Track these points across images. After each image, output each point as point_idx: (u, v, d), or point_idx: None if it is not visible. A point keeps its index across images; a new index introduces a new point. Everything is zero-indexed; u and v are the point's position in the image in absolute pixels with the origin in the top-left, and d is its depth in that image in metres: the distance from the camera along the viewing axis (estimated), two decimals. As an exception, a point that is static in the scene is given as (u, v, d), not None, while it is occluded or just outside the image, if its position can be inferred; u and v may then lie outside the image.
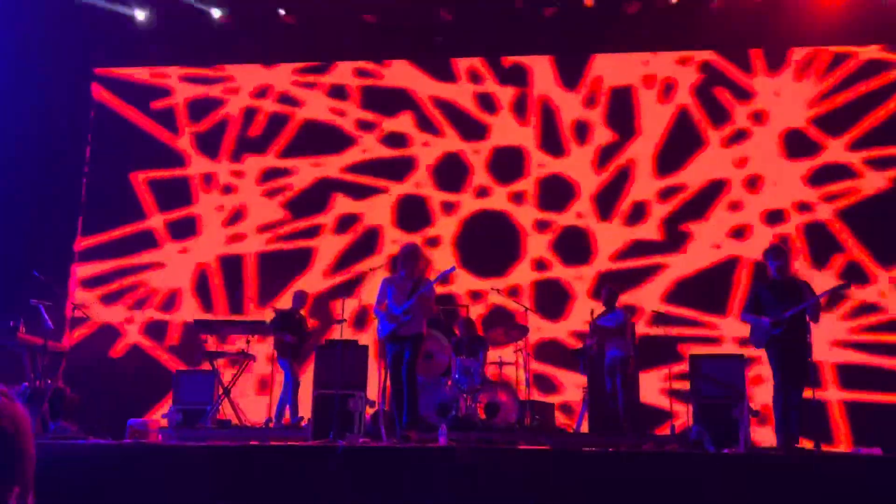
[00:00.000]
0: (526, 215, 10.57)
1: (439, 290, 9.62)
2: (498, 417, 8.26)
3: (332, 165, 10.90)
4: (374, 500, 5.24)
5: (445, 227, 10.65)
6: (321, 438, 6.83)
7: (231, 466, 5.54)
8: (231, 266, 10.68)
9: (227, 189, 10.94)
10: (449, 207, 10.70)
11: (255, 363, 9.08)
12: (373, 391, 7.95)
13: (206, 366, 8.82)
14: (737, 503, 5.10)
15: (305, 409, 8.31)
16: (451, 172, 10.77)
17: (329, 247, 10.67)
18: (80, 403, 7.61)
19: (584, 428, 8.57)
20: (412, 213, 10.67)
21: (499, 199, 10.65)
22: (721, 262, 10.07)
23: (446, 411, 8.19)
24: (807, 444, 6.78)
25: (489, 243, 10.55)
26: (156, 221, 10.87)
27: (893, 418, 9.04)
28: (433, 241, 10.54)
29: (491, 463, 5.39)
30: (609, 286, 8.63)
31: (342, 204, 10.76)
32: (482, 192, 10.72)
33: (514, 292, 10.02)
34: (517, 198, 10.63)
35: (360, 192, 10.79)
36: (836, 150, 10.12)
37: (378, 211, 10.76)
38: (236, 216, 10.86)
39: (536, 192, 10.60)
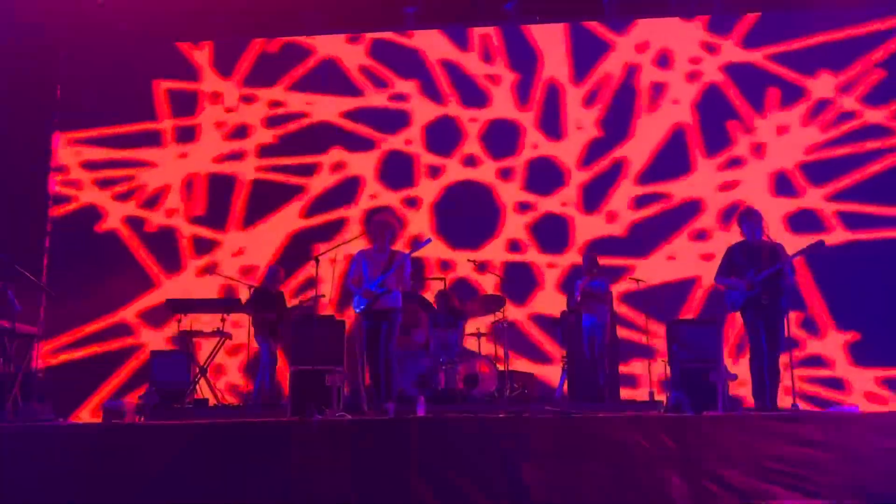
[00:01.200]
0: (509, 193, 10.43)
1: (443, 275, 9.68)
2: (477, 389, 8.25)
3: (332, 107, 10.75)
4: (353, 472, 5.20)
5: (427, 189, 10.50)
6: (299, 415, 6.77)
7: (210, 444, 5.47)
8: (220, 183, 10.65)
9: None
10: (435, 171, 10.56)
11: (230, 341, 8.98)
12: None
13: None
14: (716, 463, 5.10)
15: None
16: (443, 136, 10.60)
17: (310, 189, 10.55)
18: (51, 386, 7.51)
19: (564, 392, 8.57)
20: (397, 171, 10.52)
21: (486, 172, 10.50)
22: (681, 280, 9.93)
23: (425, 384, 8.17)
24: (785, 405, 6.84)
25: (468, 214, 10.40)
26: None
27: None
28: (412, 202, 10.40)
29: (470, 432, 5.36)
30: (590, 253, 8.61)
31: (332, 150, 10.64)
32: (470, 161, 10.57)
33: (482, 267, 9.87)
34: (504, 173, 10.50)
35: (350, 140, 10.64)
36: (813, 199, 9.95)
37: (363, 161, 10.59)
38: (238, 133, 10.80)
39: (525, 171, 10.47)
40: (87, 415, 9.10)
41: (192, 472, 5.31)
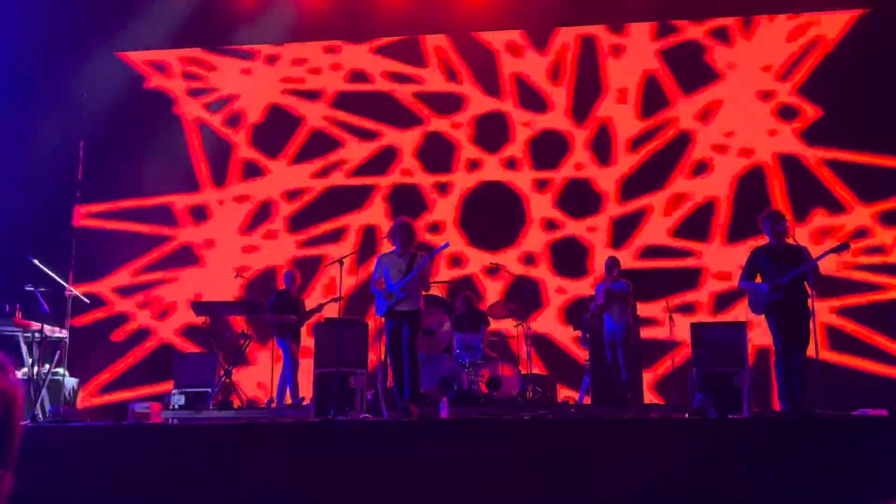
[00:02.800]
0: (523, 178, 10.42)
1: (452, 275, 9.66)
2: (500, 391, 8.24)
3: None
4: (376, 473, 5.21)
5: (443, 209, 10.48)
6: (322, 417, 6.80)
7: (233, 445, 5.51)
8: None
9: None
10: (443, 188, 10.56)
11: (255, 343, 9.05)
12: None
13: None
14: (742, 468, 5.06)
15: (306, 390, 8.30)
16: (436, 152, 10.60)
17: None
18: (80, 388, 7.60)
19: (587, 400, 8.54)
20: (405, 203, 10.42)
21: (492, 169, 10.49)
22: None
23: (448, 386, 8.17)
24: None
25: (492, 215, 10.39)
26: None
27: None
28: (435, 228, 10.37)
29: (493, 435, 5.36)
30: (611, 256, 8.57)
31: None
32: (473, 165, 10.58)
33: (495, 270, 9.89)
34: (510, 164, 10.48)
35: (350, 195, 10.65)
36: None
37: (370, 210, 10.58)
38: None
39: (527, 152, 10.46)
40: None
41: (216, 471, 5.35)
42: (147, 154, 10.73)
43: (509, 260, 10.13)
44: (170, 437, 5.77)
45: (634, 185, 10.20)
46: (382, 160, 10.63)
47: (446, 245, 7.51)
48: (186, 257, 10.62)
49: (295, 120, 10.83)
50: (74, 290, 7.63)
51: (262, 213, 10.70)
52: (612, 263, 8.39)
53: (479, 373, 8.27)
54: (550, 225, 10.29)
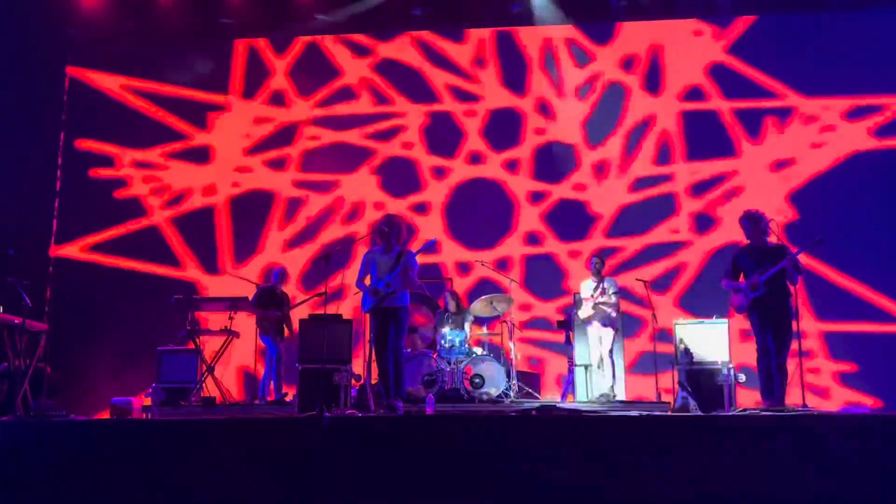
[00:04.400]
0: (520, 185, 10.40)
1: (424, 261, 9.63)
2: (483, 388, 8.25)
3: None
4: (362, 470, 5.20)
5: (435, 193, 10.47)
6: (307, 412, 6.78)
7: (215, 441, 5.48)
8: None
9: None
10: (440, 173, 10.54)
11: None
12: (358, 365, 7.93)
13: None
14: (725, 464, 5.10)
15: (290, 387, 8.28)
16: (442, 136, 10.56)
17: (309, 210, 10.58)
18: (60, 382, 7.53)
19: (570, 399, 8.57)
20: (400, 178, 10.49)
21: (492, 167, 10.46)
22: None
23: (432, 384, 8.17)
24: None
25: (480, 213, 10.37)
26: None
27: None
28: (421, 208, 10.36)
29: (480, 430, 5.37)
30: (596, 255, 8.60)
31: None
32: (475, 159, 10.53)
33: (502, 265, 9.94)
34: (511, 166, 10.46)
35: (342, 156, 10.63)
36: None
37: (362, 176, 10.59)
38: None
39: (532, 160, 10.44)
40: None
41: (198, 468, 5.32)
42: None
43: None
44: (151, 432, 5.72)
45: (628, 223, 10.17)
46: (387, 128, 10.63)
47: (433, 242, 7.51)
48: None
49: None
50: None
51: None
52: (597, 264, 8.39)
53: (463, 370, 8.28)
54: (533, 238, 10.29)
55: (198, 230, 10.58)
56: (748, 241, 7.02)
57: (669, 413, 6.85)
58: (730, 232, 9.06)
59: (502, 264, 10.11)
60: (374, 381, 7.40)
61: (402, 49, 10.78)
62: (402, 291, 6.93)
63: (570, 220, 10.25)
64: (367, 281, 7.00)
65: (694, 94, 10.31)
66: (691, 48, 10.41)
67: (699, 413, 6.58)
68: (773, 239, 6.97)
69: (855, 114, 9.96)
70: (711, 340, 7.65)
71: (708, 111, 10.25)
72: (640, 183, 10.22)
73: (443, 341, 8.52)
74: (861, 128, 9.93)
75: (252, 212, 10.59)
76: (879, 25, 9.99)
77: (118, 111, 10.72)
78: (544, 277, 10.06)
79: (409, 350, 8.23)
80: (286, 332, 8.62)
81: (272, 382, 8.58)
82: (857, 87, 9.94)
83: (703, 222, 10.04)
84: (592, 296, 8.27)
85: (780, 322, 6.72)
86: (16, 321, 6.88)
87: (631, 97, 10.42)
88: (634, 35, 10.51)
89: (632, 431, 5.30)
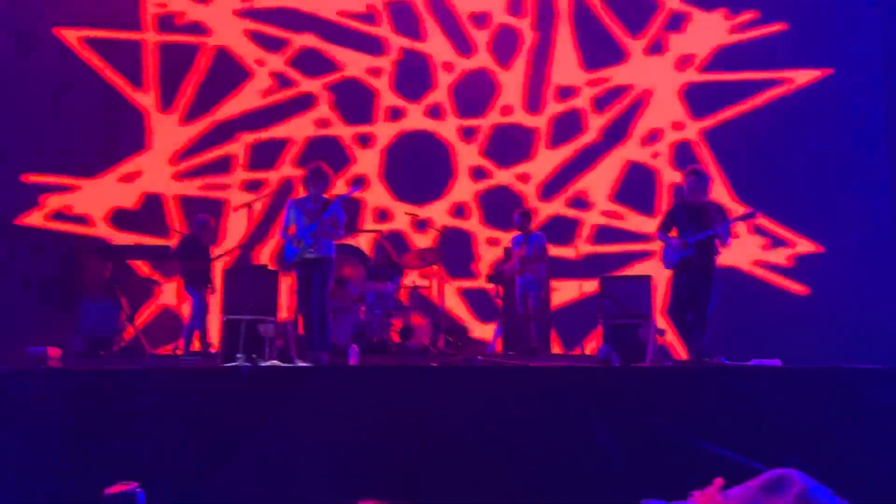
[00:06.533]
0: (448, 128, 10.32)
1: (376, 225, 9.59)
2: (412, 341, 8.27)
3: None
4: (284, 422, 5.16)
5: (366, 162, 10.28)
6: (230, 363, 6.69)
7: (136, 392, 5.37)
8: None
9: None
10: (364, 140, 10.37)
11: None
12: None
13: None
14: (641, 414, 5.22)
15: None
16: (355, 101, 10.34)
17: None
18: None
19: (498, 349, 8.66)
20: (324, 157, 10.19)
21: (414, 118, 10.35)
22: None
23: (360, 336, 8.15)
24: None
25: (418, 167, 10.24)
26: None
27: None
28: (360, 182, 10.02)
29: (401, 380, 5.37)
30: (522, 209, 8.62)
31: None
32: (395, 115, 10.39)
33: (459, 212, 9.94)
34: (434, 111, 10.37)
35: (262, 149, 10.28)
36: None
37: (285, 162, 10.28)
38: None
39: (451, 99, 10.35)
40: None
41: (117, 420, 5.19)
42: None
43: (438, 213, 10.08)
44: (69, 382, 5.56)
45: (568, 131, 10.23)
46: (296, 110, 10.32)
47: (357, 188, 7.43)
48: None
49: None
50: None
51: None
52: (523, 217, 8.42)
53: (390, 322, 8.27)
54: (478, 174, 10.26)
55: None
56: (686, 197, 7.10)
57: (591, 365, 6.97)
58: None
59: (459, 210, 10.10)
60: (299, 333, 7.33)
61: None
62: (327, 241, 6.82)
63: (508, 145, 10.24)
64: (293, 231, 6.87)
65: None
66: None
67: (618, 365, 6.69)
68: (708, 198, 7.08)
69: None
70: (635, 294, 7.77)
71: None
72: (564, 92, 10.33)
73: (372, 294, 8.48)
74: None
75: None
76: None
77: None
78: (501, 209, 9.83)
79: (337, 303, 8.16)
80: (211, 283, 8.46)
81: (197, 332, 8.44)
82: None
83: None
84: (519, 250, 8.32)
85: (705, 281, 6.86)
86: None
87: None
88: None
89: (552, 382, 5.36)
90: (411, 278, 9.12)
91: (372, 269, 8.75)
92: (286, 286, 8.01)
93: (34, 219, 9.77)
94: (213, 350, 8.04)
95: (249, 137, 10.17)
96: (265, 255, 9.55)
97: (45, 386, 5.45)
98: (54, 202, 9.80)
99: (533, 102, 10.32)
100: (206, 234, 8.64)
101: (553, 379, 5.39)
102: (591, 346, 8.83)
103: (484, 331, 9.62)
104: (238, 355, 6.20)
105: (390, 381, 5.41)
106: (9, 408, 5.22)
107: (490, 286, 9.15)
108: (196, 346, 8.41)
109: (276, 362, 6.40)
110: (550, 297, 8.79)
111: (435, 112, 10.36)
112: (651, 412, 5.21)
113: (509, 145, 10.24)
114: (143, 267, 9.48)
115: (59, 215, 9.83)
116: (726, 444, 5.10)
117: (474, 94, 10.34)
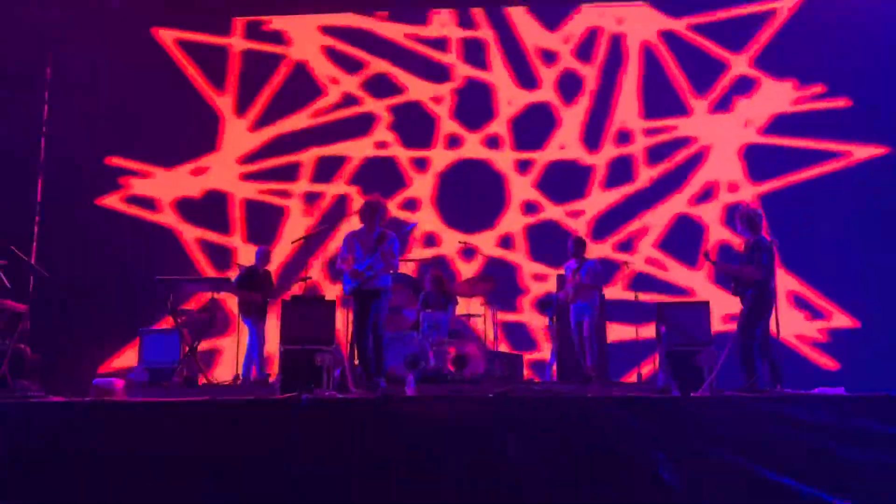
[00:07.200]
0: (505, 159, 10.38)
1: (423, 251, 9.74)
2: (466, 370, 8.26)
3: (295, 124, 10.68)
4: (343, 450, 5.21)
5: (420, 186, 10.40)
6: (288, 394, 6.77)
7: (198, 422, 5.48)
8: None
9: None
10: (421, 164, 10.47)
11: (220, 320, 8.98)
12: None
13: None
14: (702, 443, 5.14)
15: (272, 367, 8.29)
16: (415, 126, 10.51)
17: (296, 218, 10.49)
18: (40, 364, 7.50)
19: (553, 377, 8.61)
20: (380, 177, 10.35)
21: (472, 147, 10.43)
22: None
23: (414, 364, 8.18)
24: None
25: (470, 196, 10.34)
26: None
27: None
28: (411, 204, 10.26)
29: (458, 411, 5.38)
30: (575, 235, 8.61)
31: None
32: (453, 142, 10.48)
33: (505, 243, 9.98)
34: (492, 142, 10.42)
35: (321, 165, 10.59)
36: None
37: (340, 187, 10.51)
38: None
39: (510, 131, 10.41)
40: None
41: (182, 450, 5.31)
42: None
43: (486, 242, 10.13)
44: (134, 414, 5.70)
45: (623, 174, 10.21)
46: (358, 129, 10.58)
47: (414, 226, 7.51)
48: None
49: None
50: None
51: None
52: (576, 246, 8.40)
53: (445, 351, 8.29)
54: (530, 207, 10.26)
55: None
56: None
57: (651, 394, 6.88)
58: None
59: (506, 242, 10.14)
60: (354, 364, 7.39)
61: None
62: (383, 273, 6.92)
63: (563, 181, 10.26)
64: (349, 262, 6.95)
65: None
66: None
67: (678, 394, 6.59)
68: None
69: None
70: (693, 321, 7.66)
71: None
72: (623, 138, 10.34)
73: (425, 322, 8.52)
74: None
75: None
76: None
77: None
78: (549, 244, 9.95)
79: (390, 331, 8.21)
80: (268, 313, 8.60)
81: (255, 363, 8.58)
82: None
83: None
84: (573, 277, 8.29)
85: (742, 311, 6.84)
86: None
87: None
88: (592, 15, 10.62)
89: (610, 413, 5.32)
90: (464, 306, 9.14)
91: (426, 298, 8.80)
92: (343, 316, 8.10)
93: (113, 201, 10.58)
94: (271, 380, 8.14)
95: (314, 152, 10.56)
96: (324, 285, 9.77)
97: (115, 418, 5.59)
98: (135, 186, 10.62)
99: (591, 141, 10.30)
100: (264, 265, 8.82)
101: (611, 410, 5.33)
102: (647, 369, 8.70)
103: (537, 357, 9.57)
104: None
105: (449, 412, 5.41)
106: (76, 439, 5.38)
107: (540, 321, 9.12)
108: (254, 372, 8.56)
109: (332, 392, 6.47)
110: (605, 323, 8.69)
111: (493, 142, 10.44)
112: (713, 442, 5.14)
113: (563, 181, 10.24)
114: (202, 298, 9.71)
115: (133, 199, 10.61)
116: (790, 474, 5.01)
117: (533, 127, 10.39)
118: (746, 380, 6.62)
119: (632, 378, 8.56)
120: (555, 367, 8.68)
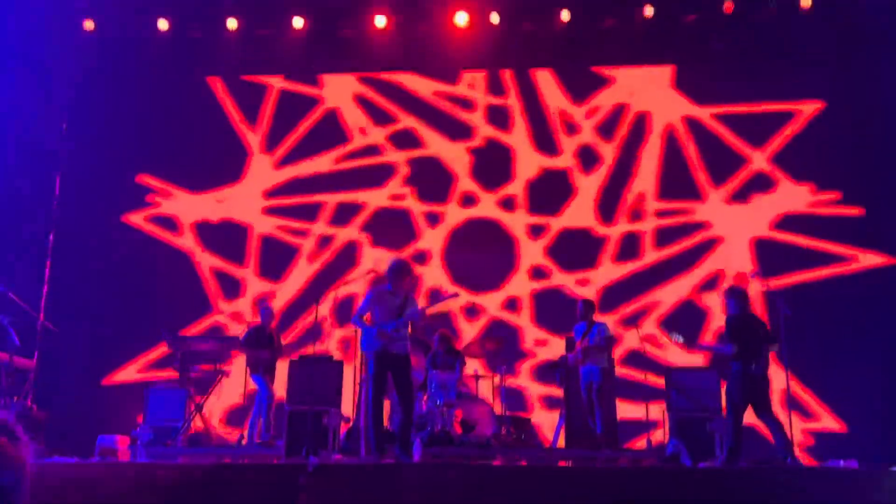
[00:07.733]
0: (517, 221, 10.40)
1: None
2: (474, 433, 8.18)
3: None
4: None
5: (431, 239, 10.44)
6: (294, 455, 6.71)
7: (202, 485, 5.42)
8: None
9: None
10: (433, 219, 10.54)
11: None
12: (348, 407, 7.86)
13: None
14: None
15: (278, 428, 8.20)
16: (432, 180, 10.58)
17: (303, 268, 10.52)
18: (45, 421, 7.46)
19: (561, 443, 8.50)
20: (392, 226, 10.44)
21: (487, 206, 10.48)
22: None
23: (422, 427, 8.10)
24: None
25: (480, 254, 10.32)
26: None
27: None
28: (421, 257, 10.28)
29: (466, 479, 5.32)
30: (585, 298, 8.60)
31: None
32: (468, 200, 10.55)
33: (510, 305, 9.94)
34: (507, 203, 10.48)
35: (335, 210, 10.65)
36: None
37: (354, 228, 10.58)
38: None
39: (526, 195, 10.45)
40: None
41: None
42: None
43: (491, 303, 10.13)
44: (138, 475, 5.65)
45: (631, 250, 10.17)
46: (376, 178, 10.68)
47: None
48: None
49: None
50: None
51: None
52: (585, 309, 8.38)
53: (453, 413, 8.21)
54: (538, 273, 10.25)
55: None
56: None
57: (659, 462, 6.81)
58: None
59: (511, 304, 10.12)
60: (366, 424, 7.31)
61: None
62: (406, 337, 6.72)
63: (574, 249, 10.23)
64: (368, 319, 6.79)
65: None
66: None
67: (687, 463, 6.51)
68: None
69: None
70: (703, 388, 7.60)
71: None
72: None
73: (433, 383, 8.46)
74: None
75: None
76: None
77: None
78: (555, 311, 9.84)
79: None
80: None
81: (261, 422, 8.51)
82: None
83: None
84: (582, 340, 8.25)
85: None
86: (2, 359, 6.84)
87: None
88: (622, 92, 10.64)
89: (620, 485, 5.25)
90: (472, 367, 9.09)
91: (433, 357, 8.74)
92: (350, 376, 8.05)
93: (137, 218, 10.68)
94: (278, 440, 8.07)
95: (333, 197, 10.64)
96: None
97: (112, 479, 5.53)
98: (162, 205, 10.74)
99: (606, 214, 10.30)
100: (270, 323, 8.81)
101: (621, 482, 5.26)
102: (656, 436, 8.59)
103: (546, 419, 9.48)
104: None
105: (455, 479, 5.35)
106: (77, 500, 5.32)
107: (536, 388, 9.06)
108: (260, 427, 8.48)
109: (338, 455, 6.41)
110: (614, 387, 8.61)
111: (508, 204, 10.48)
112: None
113: (575, 250, 10.22)
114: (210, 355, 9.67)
115: (156, 219, 10.70)
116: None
117: (549, 193, 10.41)
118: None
119: (641, 443, 8.46)
120: (563, 431, 8.57)
